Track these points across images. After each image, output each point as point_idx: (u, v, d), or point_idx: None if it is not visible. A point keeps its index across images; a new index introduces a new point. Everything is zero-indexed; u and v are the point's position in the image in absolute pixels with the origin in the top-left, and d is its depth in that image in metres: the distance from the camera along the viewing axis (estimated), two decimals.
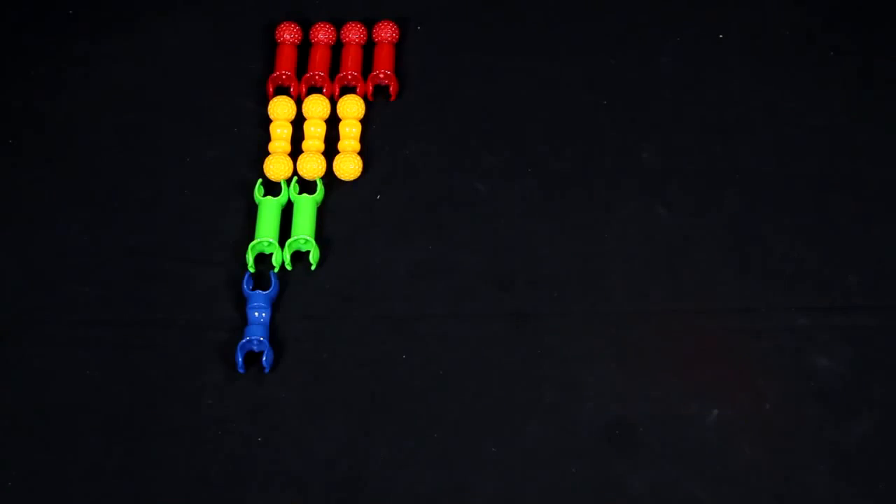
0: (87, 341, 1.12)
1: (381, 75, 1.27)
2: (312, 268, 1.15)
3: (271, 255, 1.15)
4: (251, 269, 1.14)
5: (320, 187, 1.19)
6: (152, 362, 1.10)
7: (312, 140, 1.23)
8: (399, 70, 1.28)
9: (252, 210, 1.19)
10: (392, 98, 1.26)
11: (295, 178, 1.20)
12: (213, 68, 1.31)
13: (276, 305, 1.13)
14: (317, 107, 1.24)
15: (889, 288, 1.13)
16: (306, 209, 1.17)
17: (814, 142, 1.24)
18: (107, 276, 1.16)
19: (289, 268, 1.14)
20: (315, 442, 1.05)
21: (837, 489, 1.02)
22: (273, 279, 1.12)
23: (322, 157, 1.22)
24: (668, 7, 1.33)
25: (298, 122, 1.26)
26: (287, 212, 1.19)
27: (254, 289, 1.12)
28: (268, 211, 1.17)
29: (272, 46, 1.31)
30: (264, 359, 1.08)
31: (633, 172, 1.20)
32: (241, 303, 1.13)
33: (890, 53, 1.30)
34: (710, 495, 1.02)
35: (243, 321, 1.11)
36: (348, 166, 1.20)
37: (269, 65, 1.30)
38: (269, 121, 1.25)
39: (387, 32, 1.30)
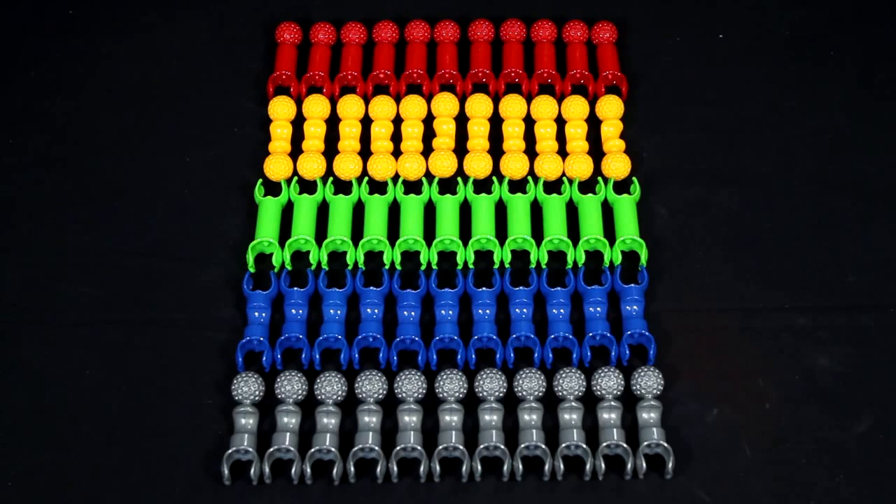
0: (87, 341, 1.12)
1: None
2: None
3: (272, 254, 1.16)
4: (251, 269, 1.14)
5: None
6: (152, 362, 1.10)
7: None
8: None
9: (252, 210, 1.19)
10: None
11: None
12: (213, 68, 1.31)
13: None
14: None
15: (889, 288, 1.13)
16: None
17: (814, 142, 1.24)
18: (107, 276, 1.16)
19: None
20: None
21: (837, 489, 1.02)
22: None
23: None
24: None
25: (298, 123, 1.26)
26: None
27: (254, 289, 1.12)
28: (269, 211, 1.17)
29: (272, 46, 1.31)
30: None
31: None
32: (242, 303, 1.13)
33: (890, 53, 1.30)
34: (710, 495, 1.02)
35: (244, 321, 1.11)
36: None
37: (269, 65, 1.30)
38: (270, 121, 1.25)
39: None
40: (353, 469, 1.02)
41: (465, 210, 1.19)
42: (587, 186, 1.21)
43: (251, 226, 1.17)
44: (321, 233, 1.17)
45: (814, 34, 1.31)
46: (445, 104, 1.25)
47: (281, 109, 1.25)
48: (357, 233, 1.17)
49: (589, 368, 1.08)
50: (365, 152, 1.23)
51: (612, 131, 1.23)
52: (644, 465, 1.02)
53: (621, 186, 1.20)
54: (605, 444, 1.02)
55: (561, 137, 1.24)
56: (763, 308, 1.12)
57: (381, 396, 1.05)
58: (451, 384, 1.05)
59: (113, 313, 1.13)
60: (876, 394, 1.07)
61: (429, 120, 1.25)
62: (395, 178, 1.21)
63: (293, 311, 1.11)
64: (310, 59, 1.30)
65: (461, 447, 1.02)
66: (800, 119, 1.25)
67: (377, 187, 1.21)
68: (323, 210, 1.19)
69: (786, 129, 1.24)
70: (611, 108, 1.23)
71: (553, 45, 1.30)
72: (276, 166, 1.21)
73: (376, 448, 1.02)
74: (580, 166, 1.20)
